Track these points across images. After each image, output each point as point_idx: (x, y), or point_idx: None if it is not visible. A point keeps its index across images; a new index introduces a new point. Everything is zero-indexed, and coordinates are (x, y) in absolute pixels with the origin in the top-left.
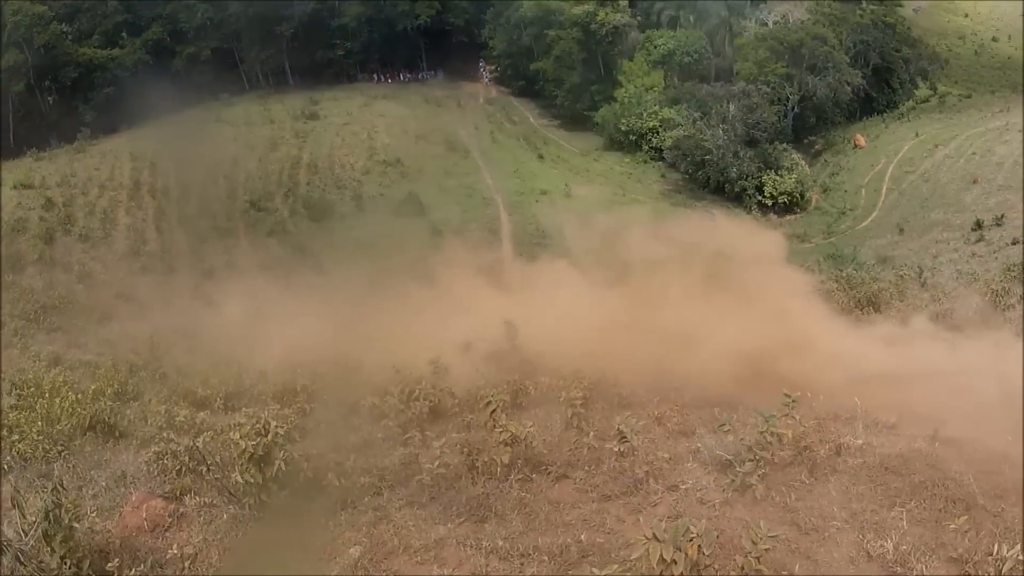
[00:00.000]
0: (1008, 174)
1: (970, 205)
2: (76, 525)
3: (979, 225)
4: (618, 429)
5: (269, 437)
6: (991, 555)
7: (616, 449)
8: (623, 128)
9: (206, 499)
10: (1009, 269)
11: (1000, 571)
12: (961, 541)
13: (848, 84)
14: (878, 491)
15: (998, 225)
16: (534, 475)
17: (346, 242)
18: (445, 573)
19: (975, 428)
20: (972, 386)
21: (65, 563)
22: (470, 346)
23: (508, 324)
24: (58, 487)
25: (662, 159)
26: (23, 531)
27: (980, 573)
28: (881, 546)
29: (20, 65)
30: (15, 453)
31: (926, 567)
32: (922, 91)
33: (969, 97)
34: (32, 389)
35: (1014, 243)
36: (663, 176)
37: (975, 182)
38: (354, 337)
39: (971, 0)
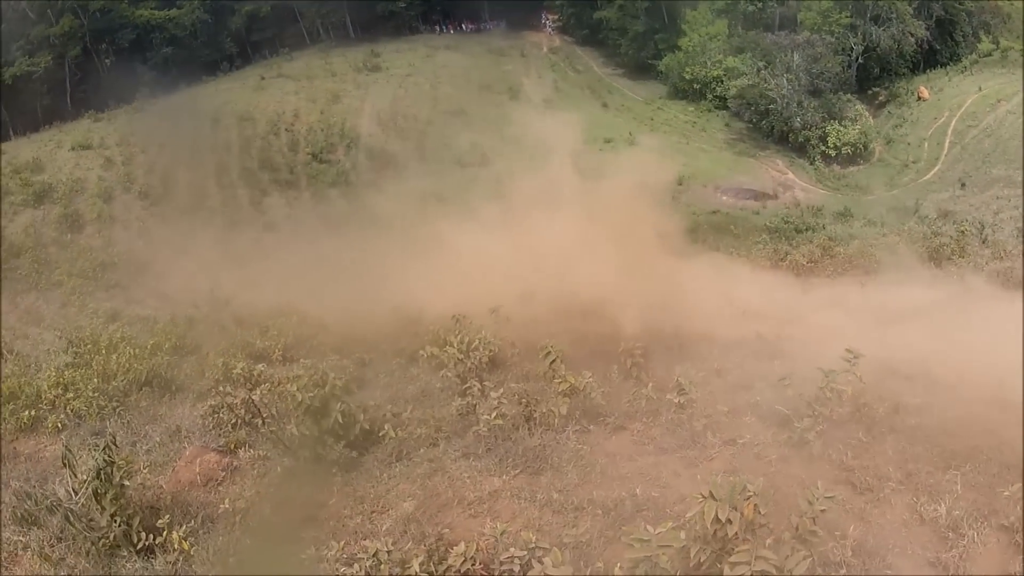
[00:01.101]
0: None
1: None
2: (127, 483)
3: None
4: (677, 381)
5: (326, 389)
6: None
7: (675, 401)
8: (687, 77)
9: (260, 452)
10: None
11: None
12: (1013, 509)
13: (912, 35)
14: (934, 453)
15: None
16: (592, 426)
17: (408, 192)
18: (497, 527)
19: None
20: None
21: (115, 521)
22: (532, 295)
23: (567, 274)
24: (110, 444)
25: (726, 108)
26: (73, 490)
27: None
28: (934, 510)
29: (76, 30)
30: (69, 411)
31: (977, 534)
32: (985, 44)
33: None
34: (89, 346)
35: None
36: (727, 125)
37: None
38: (415, 286)
39: None
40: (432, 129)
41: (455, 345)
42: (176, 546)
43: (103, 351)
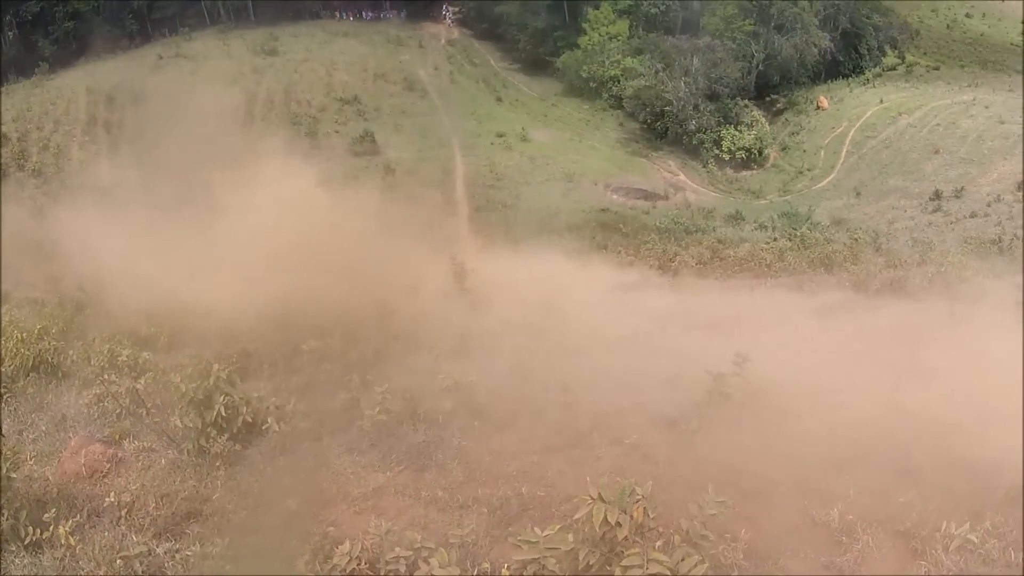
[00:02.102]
0: (971, 148)
1: (930, 175)
2: (14, 475)
3: (938, 195)
4: (562, 380)
5: (211, 381)
6: (939, 531)
7: (560, 401)
8: (584, 75)
9: (145, 443)
10: (966, 241)
11: (948, 548)
12: (909, 515)
13: (815, 46)
14: (825, 458)
15: (957, 197)
16: (476, 423)
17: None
18: (382, 525)
19: (928, 399)
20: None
21: (2, 514)
22: (418, 289)
23: (458, 266)
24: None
25: (621, 108)
26: None
27: (927, 549)
28: (827, 514)
29: None
30: None
31: (872, 538)
32: (890, 59)
33: (937, 69)
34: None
35: (972, 216)
36: (621, 124)
37: (937, 152)
38: (302, 278)
39: None
40: (325, 116)
41: (338, 338)
42: (63, 541)
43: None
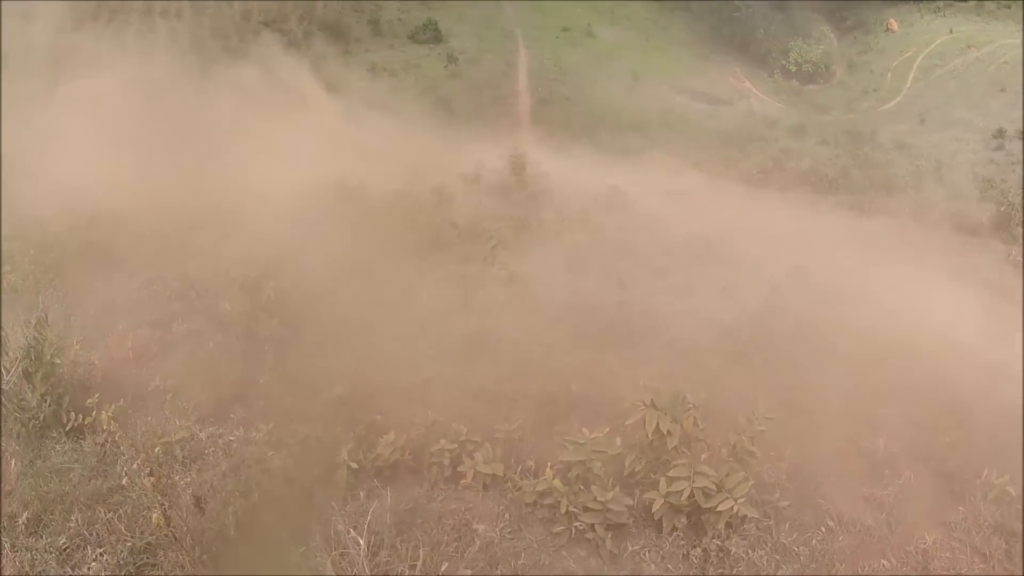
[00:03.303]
0: None
1: (995, 112)
2: (58, 361)
3: (1001, 133)
4: (618, 279)
5: (261, 265)
6: (979, 479)
7: (614, 300)
8: None
9: (194, 327)
10: None
11: (986, 497)
12: (952, 455)
13: None
14: (876, 383)
15: (1020, 139)
16: (530, 316)
17: (360, 65)
18: (429, 416)
19: (977, 339)
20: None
21: (45, 401)
22: (478, 177)
23: (518, 157)
24: (42, 321)
25: (690, 10)
26: (5, 369)
27: (967, 494)
28: (872, 443)
29: None
30: (5, 285)
31: (913, 474)
32: None
33: (1008, 7)
34: (27, 220)
35: None
36: (688, 27)
37: (1003, 90)
38: (361, 161)
39: None
40: (388, 3)
41: (397, 221)
42: (105, 427)
43: (41, 221)
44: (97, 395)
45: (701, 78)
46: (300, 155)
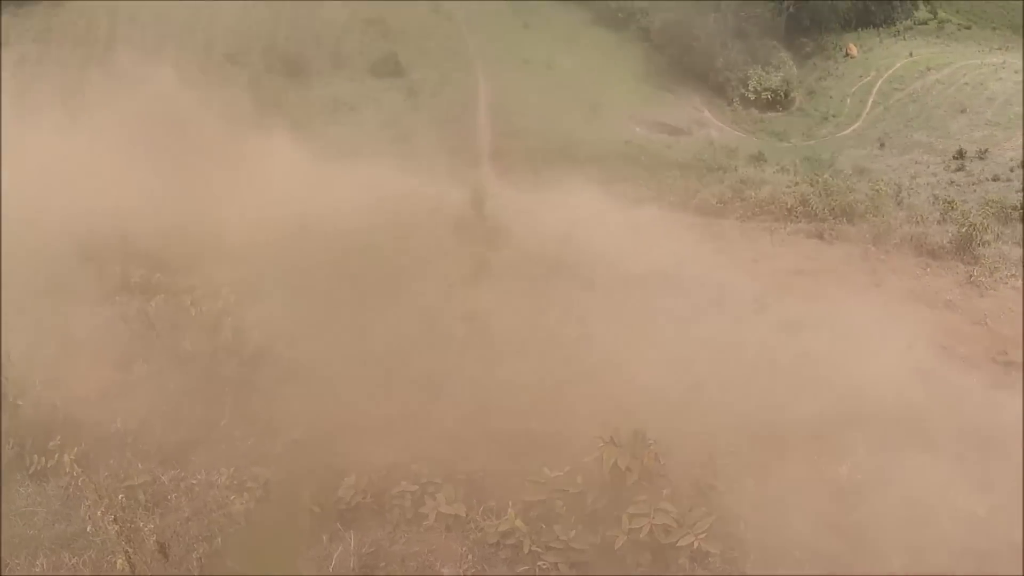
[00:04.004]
0: (998, 110)
1: (955, 133)
2: (20, 403)
3: (961, 154)
4: (578, 313)
5: (220, 304)
6: (946, 501)
7: (574, 335)
8: (613, 5)
9: (155, 367)
10: (988, 204)
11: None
12: (917, 478)
13: None
14: (838, 412)
15: (980, 159)
16: (490, 353)
17: (321, 99)
18: (391, 456)
19: (941, 362)
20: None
21: (8, 443)
22: (436, 213)
23: (477, 192)
24: (4, 362)
25: (649, 40)
26: None
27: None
28: (835, 470)
29: None
30: None
31: (880, 500)
32: (922, 13)
33: (968, 28)
34: None
35: (995, 179)
36: (648, 58)
37: (963, 111)
38: (319, 198)
39: None
40: (349, 36)
41: (352, 261)
42: (68, 469)
43: (3, 255)
44: (59, 437)
45: (660, 108)
46: (258, 191)
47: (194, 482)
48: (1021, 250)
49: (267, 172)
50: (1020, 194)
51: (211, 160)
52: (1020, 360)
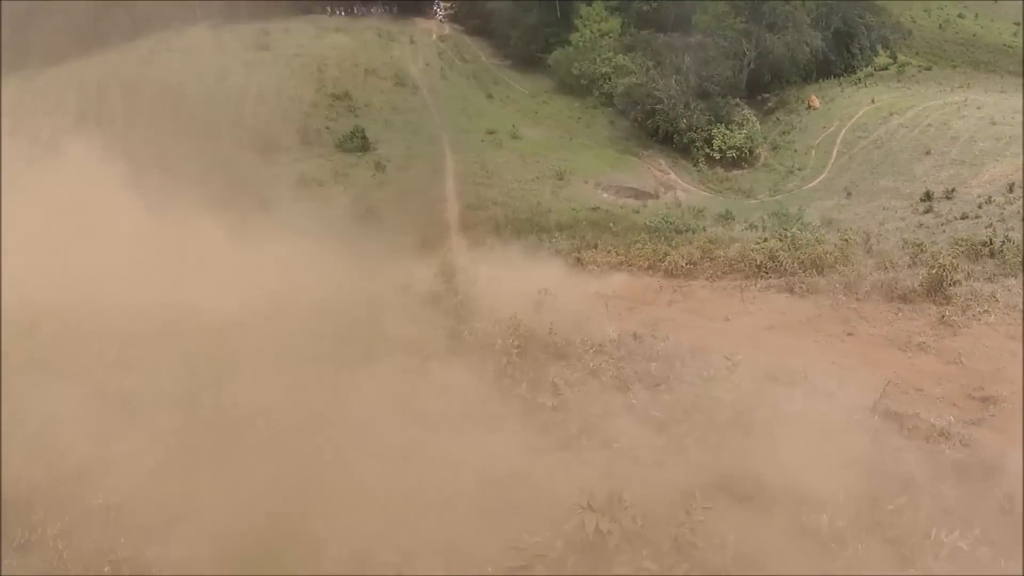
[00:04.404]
0: (962, 149)
1: (921, 176)
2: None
3: (929, 196)
4: (552, 381)
5: (196, 380)
6: (929, 538)
7: (549, 403)
8: (575, 72)
9: (134, 444)
10: (957, 244)
11: (937, 555)
12: (899, 520)
13: (807, 45)
14: (815, 461)
15: (948, 198)
16: (465, 425)
17: (289, 175)
18: (371, 530)
19: (917, 404)
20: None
21: None
22: (408, 287)
23: (447, 265)
24: None
25: (612, 106)
26: None
27: (916, 556)
28: (816, 520)
29: None
30: None
31: (861, 545)
32: (882, 59)
33: (929, 69)
34: None
35: (963, 218)
36: (612, 123)
37: (928, 153)
38: (291, 274)
39: None
40: (315, 112)
41: (327, 335)
42: (51, 544)
43: None
44: (41, 511)
45: (626, 173)
46: (230, 267)
47: (177, 557)
48: (992, 286)
49: (237, 249)
50: (988, 230)
51: (179, 238)
52: (997, 394)
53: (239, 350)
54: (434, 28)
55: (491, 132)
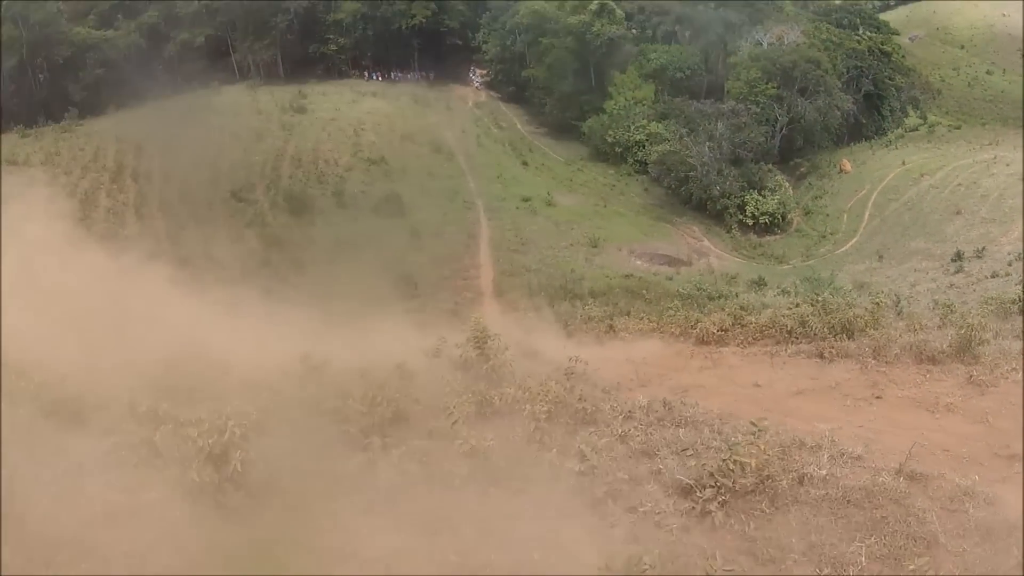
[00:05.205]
0: (992, 207)
1: (952, 236)
2: (26, 518)
3: (959, 256)
4: (579, 448)
5: (226, 437)
6: None
7: (576, 468)
8: (609, 140)
9: (161, 494)
10: (987, 302)
11: None
12: None
13: (838, 108)
14: (838, 524)
15: (978, 257)
16: (492, 489)
17: (324, 238)
18: None
19: (943, 464)
20: (944, 424)
21: (15, 558)
22: (439, 352)
23: (480, 330)
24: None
25: (646, 173)
26: None
27: None
28: None
29: (14, 41)
30: None
31: None
32: (912, 119)
33: (959, 128)
34: None
35: (993, 276)
36: (646, 190)
37: (958, 213)
38: (324, 336)
39: (968, 32)
40: (351, 175)
41: (358, 399)
42: None
43: (13, 375)
44: (67, 554)
45: (660, 240)
46: (264, 331)
47: None
48: (1020, 343)
49: (270, 310)
50: (1019, 287)
51: (212, 297)
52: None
53: (269, 409)
54: (470, 95)
55: (526, 199)
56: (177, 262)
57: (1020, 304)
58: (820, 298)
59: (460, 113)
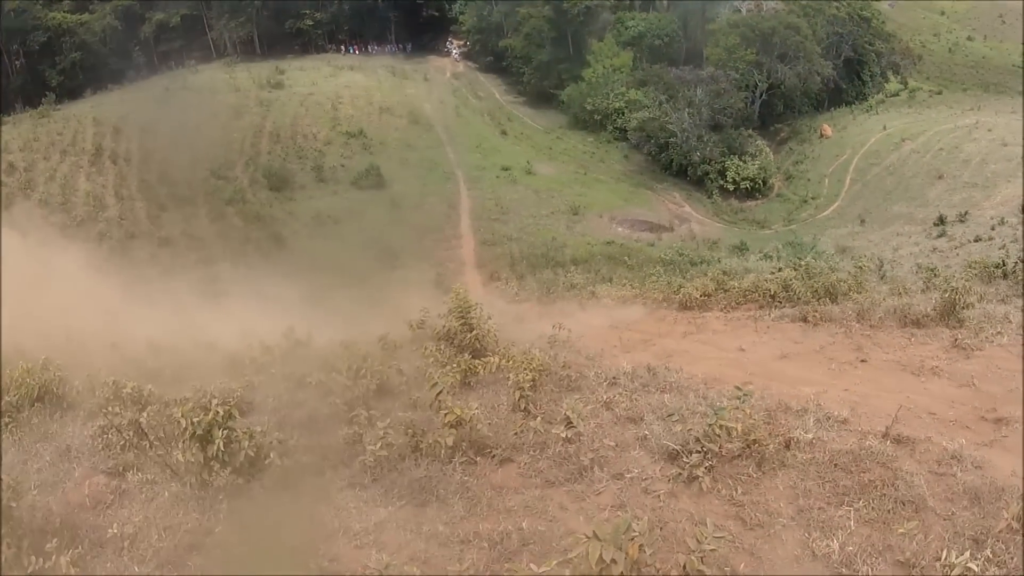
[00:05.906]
0: (974, 171)
1: (934, 200)
2: (14, 504)
3: (942, 220)
4: (565, 414)
5: (210, 416)
6: (939, 560)
7: (562, 435)
8: (588, 108)
9: (148, 476)
10: (970, 266)
11: None
12: (909, 544)
13: (818, 74)
14: (826, 488)
15: (961, 222)
16: (478, 458)
17: (304, 213)
18: (383, 559)
19: (929, 428)
20: (930, 388)
21: (5, 544)
22: (423, 322)
23: (461, 300)
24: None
25: (626, 140)
26: None
27: None
28: (827, 545)
29: None
30: None
31: (871, 569)
32: (892, 85)
33: (940, 94)
34: None
35: (976, 240)
36: (626, 157)
37: (940, 178)
38: (307, 311)
39: None
40: (330, 150)
41: (343, 372)
42: (65, 570)
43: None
44: (56, 540)
45: (641, 207)
46: (247, 307)
47: None
48: (1005, 307)
49: (253, 287)
50: (1002, 251)
51: (194, 276)
52: (1009, 415)
53: (254, 385)
54: (448, 66)
55: (505, 169)
56: (158, 242)
57: (1003, 268)
58: (803, 262)
59: (438, 84)
